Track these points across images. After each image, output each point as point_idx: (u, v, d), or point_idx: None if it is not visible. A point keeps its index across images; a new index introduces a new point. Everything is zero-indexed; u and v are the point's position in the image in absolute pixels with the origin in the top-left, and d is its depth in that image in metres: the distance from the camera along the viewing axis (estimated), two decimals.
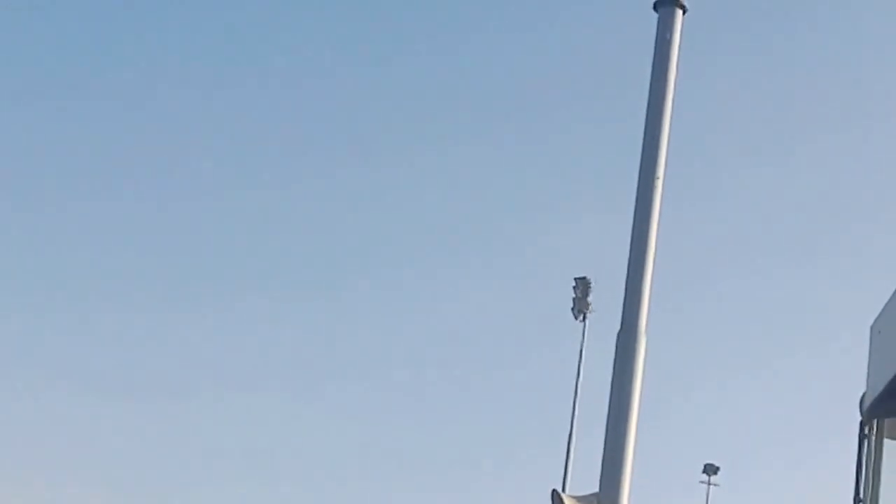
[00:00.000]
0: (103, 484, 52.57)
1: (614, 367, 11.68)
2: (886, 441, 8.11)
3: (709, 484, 48.44)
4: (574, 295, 39.64)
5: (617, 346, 11.73)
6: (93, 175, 64.11)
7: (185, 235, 64.55)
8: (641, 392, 11.60)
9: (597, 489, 11.30)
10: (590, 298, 39.29)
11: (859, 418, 8.25)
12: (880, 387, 7.82)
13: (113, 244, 62.45)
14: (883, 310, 8.05)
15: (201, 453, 56.86)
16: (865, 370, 8.30)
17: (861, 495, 8.07)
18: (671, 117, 12.07)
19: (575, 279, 39.85)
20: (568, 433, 37.22)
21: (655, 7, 12.15)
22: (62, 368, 58.04)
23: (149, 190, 65.04)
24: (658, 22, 12.11)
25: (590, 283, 39.47)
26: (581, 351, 38.66)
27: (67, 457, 55.58)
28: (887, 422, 8.10)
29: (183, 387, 58.95)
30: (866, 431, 8.18)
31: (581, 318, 39.23)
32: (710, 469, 48.56)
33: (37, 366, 57.52)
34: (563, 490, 11.52)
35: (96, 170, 65.38)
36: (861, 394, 8.31)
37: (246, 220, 65.30)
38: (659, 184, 11.97)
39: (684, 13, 12.09)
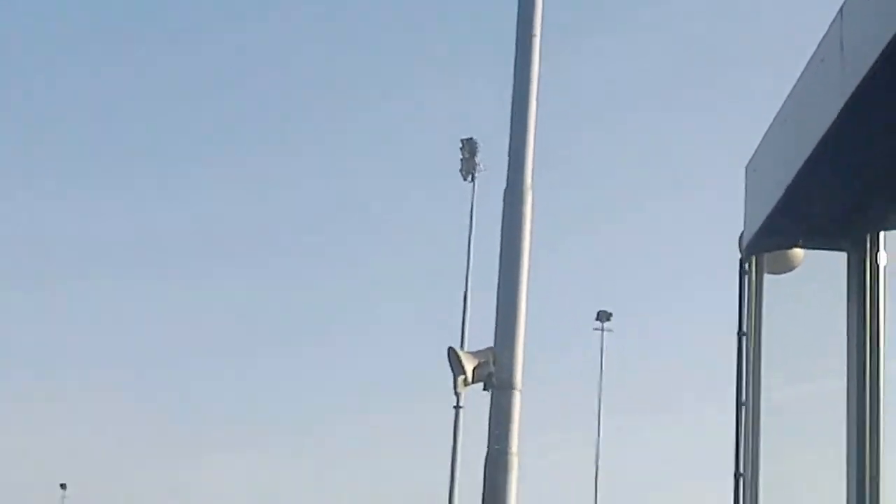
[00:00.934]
0: None
1: (503, 224, 11.93)
2: (766, 276, 8.45)
3: (602, 330, 49.28)
4: (462, 156, 39.81)
5: (504, 204, 11.97)
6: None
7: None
8: (531, 245, 11.87)
9: (492, 344, 11.61)
10: (477, 158, 39.50)
11: (739, 256, 8.57)
12: (756, 225, 8.11)
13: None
14: (756, 150, 8.31)
15: None
16: (743, 210, 8.60)
17: (745, 329, 8.42)
18: None
19: (461, 140, 39.99)
20: (463, 292, 37.67)
21: None
22: None
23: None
24: None
25: (476, 144, 39.64)
26: (472, 211, 38.99)
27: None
28: (766, 257, 8.42)
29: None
30: (746, 268, 8.51)
31: (470, 178, 39.47)
32: (604, 315, 49.28)
33: None
34: (462, 347, 11.79)
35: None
36: (740, 233, 8.62)
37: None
38: (536, 41, 12.12)
39: None
